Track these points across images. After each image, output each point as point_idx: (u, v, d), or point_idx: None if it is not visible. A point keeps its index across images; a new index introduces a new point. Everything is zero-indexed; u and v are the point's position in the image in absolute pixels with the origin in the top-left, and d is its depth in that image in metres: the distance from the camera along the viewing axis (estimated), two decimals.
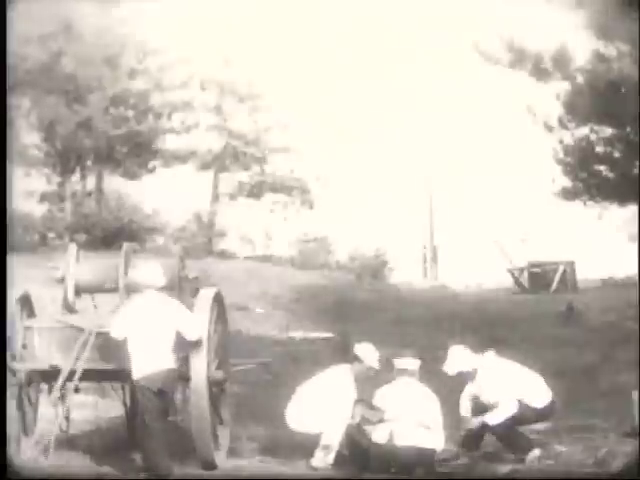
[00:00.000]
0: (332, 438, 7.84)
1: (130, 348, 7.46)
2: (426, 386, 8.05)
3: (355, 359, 8.21)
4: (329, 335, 14.95)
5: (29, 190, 26.58)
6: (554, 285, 22.82)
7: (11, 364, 7.61)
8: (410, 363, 8.16)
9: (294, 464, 7.89)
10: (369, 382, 8.25)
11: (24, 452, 7.64)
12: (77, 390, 8.57)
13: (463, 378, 8.28)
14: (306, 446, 7.87)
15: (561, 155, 19.90)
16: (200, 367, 7.56)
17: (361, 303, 18.29)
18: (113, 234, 23.37)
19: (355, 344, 8.39)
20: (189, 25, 25.64)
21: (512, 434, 8.05)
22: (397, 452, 7.70)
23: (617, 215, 21.66)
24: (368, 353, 8.23)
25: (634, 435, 7.91)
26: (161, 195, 27.29)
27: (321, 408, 7.92)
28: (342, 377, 8.14)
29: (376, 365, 8.21)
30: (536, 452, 7.99)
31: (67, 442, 7.99)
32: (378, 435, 7.78)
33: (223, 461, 7.78)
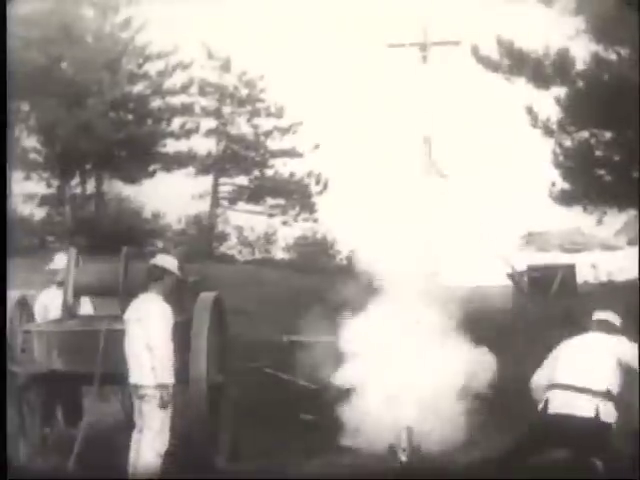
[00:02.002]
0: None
1: None
2: None
3: (161, 273, 7.57)
4: (330, 339, 14.91)
5: (29, 194, 26.61)
6: (554, 289, 22.81)
7: (10, 367, 7.61)
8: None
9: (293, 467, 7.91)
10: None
11: (23, 455, 7.65)
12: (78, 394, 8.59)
13: None
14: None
15: (561, 159, 19.91)
16: (200, 371, 7.58)
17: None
18: (113, 238, 23.34)
19: (155, 258, 7.73)
20: (189, 30, 25.67)
21: None
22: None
23: (617, 219, 21.67)
24: (169, 262, 7.67)
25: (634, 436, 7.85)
26: (161, 199, 27.30)
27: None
28: (158, 305, 7.48)
29: (178, 273, 7.68)
30: None
31: (66, 445, 7.99)
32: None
33: (222, 465, 7.80)
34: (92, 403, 8.00)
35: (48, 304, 8.85)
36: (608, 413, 7.02)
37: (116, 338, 7.57)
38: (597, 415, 6.94)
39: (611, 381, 7.10)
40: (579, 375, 7.13)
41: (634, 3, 10.47)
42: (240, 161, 29.45)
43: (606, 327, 7.49)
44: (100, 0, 25.38)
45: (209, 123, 29.09)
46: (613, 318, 7.53)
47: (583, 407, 6.98)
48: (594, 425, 6.96)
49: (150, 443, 7.21)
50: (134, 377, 7.31)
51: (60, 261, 9.20)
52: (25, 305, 8.19)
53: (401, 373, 8.38)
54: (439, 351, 8.54)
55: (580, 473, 7.11)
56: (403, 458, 7.81)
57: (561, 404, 7.05)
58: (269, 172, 29.88)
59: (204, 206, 29.46)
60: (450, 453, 8.01)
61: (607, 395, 7.05)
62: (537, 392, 7.39)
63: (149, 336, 7.24)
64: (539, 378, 7.44)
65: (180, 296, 8.34)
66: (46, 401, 8.26)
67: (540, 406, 7.14)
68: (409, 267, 8.93)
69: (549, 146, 19.65)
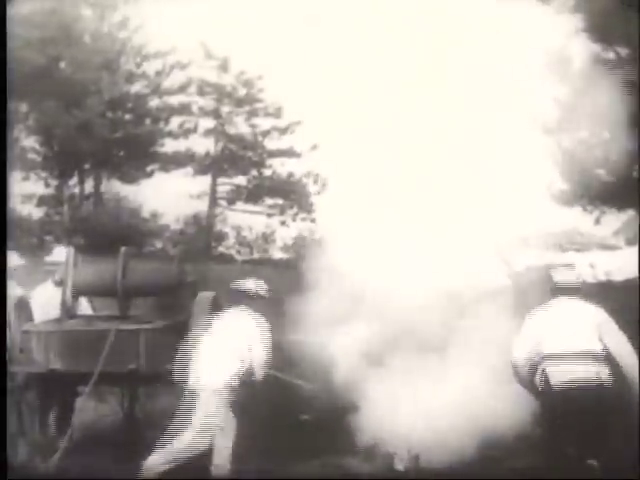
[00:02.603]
0: None
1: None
2: None
3: (245, 296, 8.07)
4: (329, 339, 14.88)
5: (27, 194, 26.59)
6: None
7: (9, 368, 7.61)
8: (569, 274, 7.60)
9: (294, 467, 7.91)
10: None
11: (22, 455, 7.65)
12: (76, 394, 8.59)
13: None
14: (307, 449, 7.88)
15: (560, 159, 19.88)
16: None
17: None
18: (111, 238, 23.32)
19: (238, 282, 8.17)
20: (187, 29, 25.62)
21: None
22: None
23: (615, 219, 21.66)
24: (252, 285, 8.21)
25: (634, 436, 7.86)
26: (159, 199, 27.27)
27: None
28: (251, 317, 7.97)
29: (267, 294, 8.15)
30: None
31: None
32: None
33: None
34: (85, 403, 8.01)
35: (44, 303, 8.82)
36: (605, 374, 7.09)
37: (117, 338, 7.58)
38: (599, 377, 7.05)
39: (598, 342, 7.19)
40: (571, 342, 7.21)
41: (634, 2, 10.49)
42: (238, 161, 29.39)
43: (569, 291, 7.55)
44: (98, 0, 25.36)
45: (207, 123, 29.05)
46: (572, 277, 7.65)
47: (585, 372, 7.06)
48: (599, 388, 7.06)
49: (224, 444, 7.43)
50: (210, 381, 7.42)
51: (59, 255, 9.20)
52: (24, 305, 8.18)
53: (402, 378, 8.37)
54: (440, 354, 8.53)
55: (577, 474, 7.13)
56: (400, 468, 7.82)
57: (563, 374, 7.10)
58: (267, 172, 29.84)
59: (202, 206, 29.42)
60: (451, 465, 8.00)
61: (600, 356, 7.14)
62: (523, 368, 7.42)
63: (246, 343, 7.47)
64: (524, 352, 7.46)
65: (179, 296, 8.36)
66: (43, 401, 8.26)
67: (539, 382, 7.17)
68: (409, 268, 8.91)
69: (548, 146, 19.63)
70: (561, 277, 7.68)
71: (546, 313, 7.47)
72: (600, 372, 7.08)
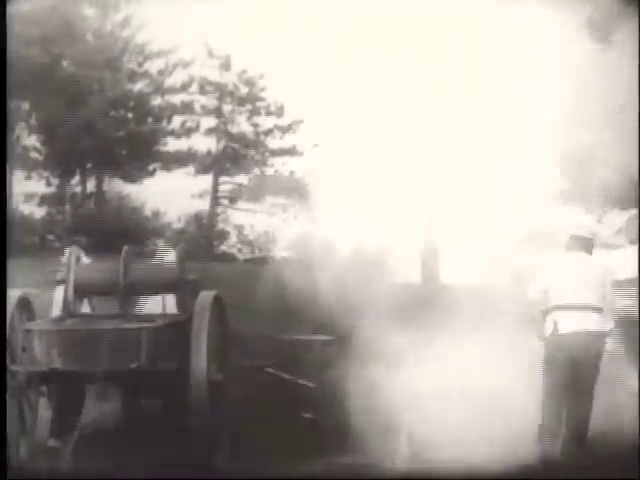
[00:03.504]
0: None
1: None
2: None
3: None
4: (331, 337, 14.89)
5: (29, 193, 26.60)
6: None
7: (10, 366, 7.62)
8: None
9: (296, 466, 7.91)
10: None
11: (23, 454, 7.66)
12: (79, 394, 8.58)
13: None
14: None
15: (561, 158, 19.86)
16: (200, 368, 7.58)
17: (361, 305, 18.20)
18: (113, 237, 23.28)
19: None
20: (189, 28, 25.62)
21: None
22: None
23: (617, 218, 21.64)
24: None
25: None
26: (161, 198, 27.26)
27: None
28: None
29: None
30: None
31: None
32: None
33: (223, 464, 7.80)
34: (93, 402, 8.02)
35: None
36: (608, 327, 7.81)
37: (118, 337, 7.59)
38: (603, 329, 7.44)
39: (602, 301, 7.88)
40: (583, 296, 7.80)
41: (634, 1, 10.48)
42: (240, 160, 29.38)
43: (584, 245, 8.19)
44: None
45: (209, 122, 29.05)
46: (588, 232, 8.09)
47: (593, 323, 7.44)
48: (600, 337, 7.70)
49: None
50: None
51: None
52: (26, 304, 8.19)
53: (403, 376, 8.37)
54: (442, 353, 8.54)
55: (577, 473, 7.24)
56: (400, 464, 7.82)
57: (571, 324, 7.50)
58: (269, 171, 29.84)
59: (204, 205, 29.42)
60: (451, 461, 7.98)
61: (602, 312, 7.80)
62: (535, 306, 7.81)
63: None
64: (537, 292, 8.02)
65: (181, 295, 8.37)
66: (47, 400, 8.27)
67: (549, 330, 7.52)
68: (409, 267, 8.94)
69: (549, 145, 19.61)
70: (575, 230, 8.17)
71: (560, 264, 8.08)
72: (604, 324, 7.74)
